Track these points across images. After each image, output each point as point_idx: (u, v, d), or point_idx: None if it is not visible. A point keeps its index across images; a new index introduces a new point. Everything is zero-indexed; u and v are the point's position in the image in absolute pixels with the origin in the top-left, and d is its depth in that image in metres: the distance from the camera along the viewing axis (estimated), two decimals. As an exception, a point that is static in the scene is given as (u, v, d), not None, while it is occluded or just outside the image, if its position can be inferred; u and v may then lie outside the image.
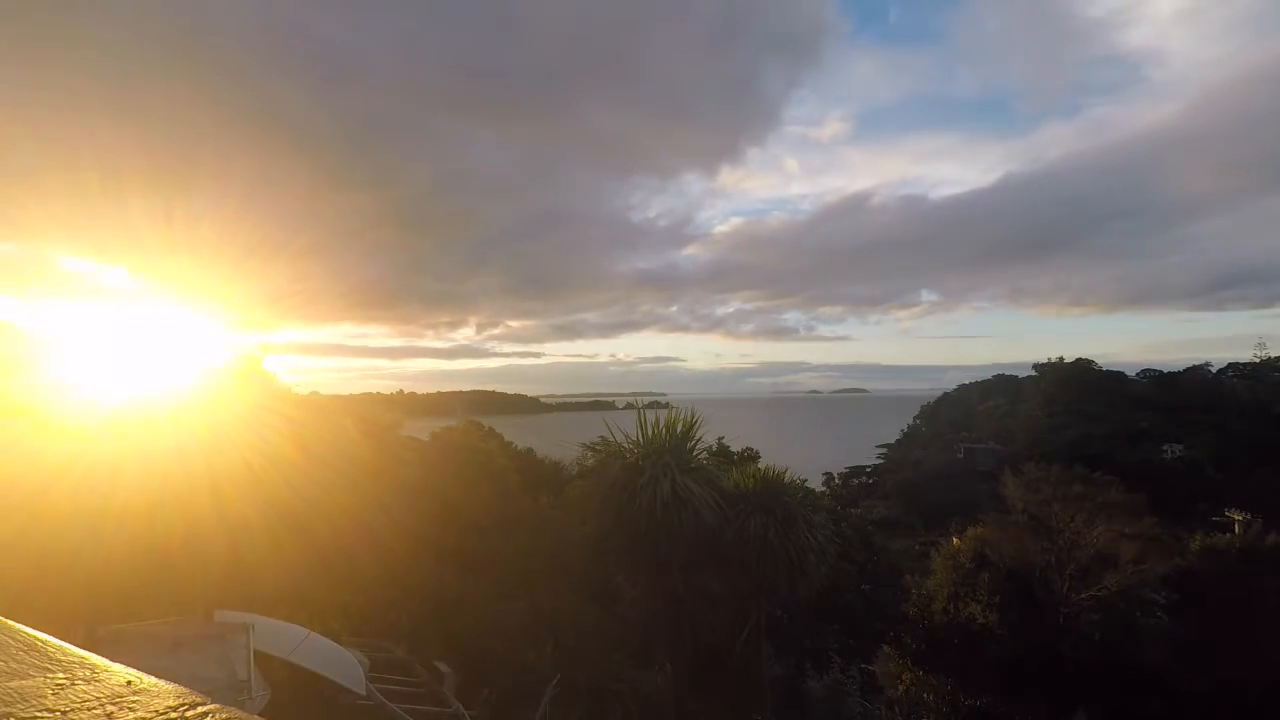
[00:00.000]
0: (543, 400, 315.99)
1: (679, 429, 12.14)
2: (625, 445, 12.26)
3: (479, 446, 20.78)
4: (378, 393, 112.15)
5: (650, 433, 12.12)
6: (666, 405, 13.45)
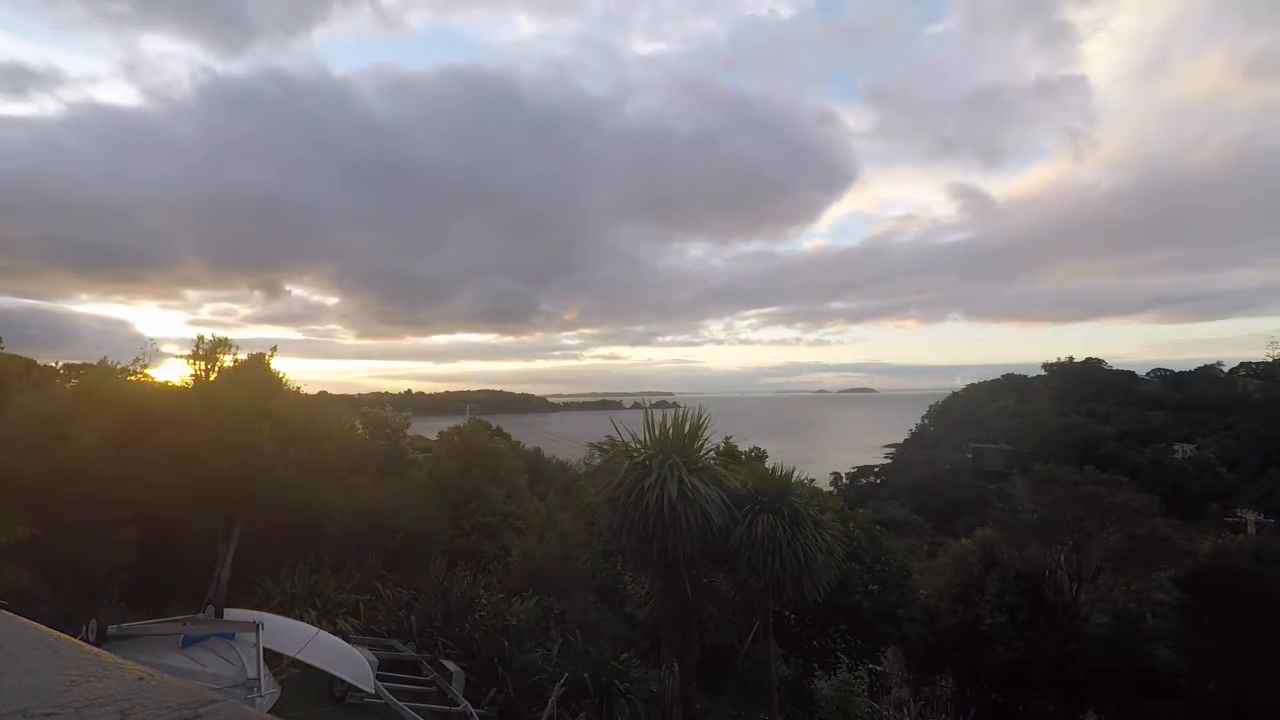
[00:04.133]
0: (550, 400, 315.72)
1: (686, 429, 12.11)
2: (632, 445, 12.24)
3: (486, 446, 20.83)
4: (386, 392, 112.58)
5: (658, 432, 12.09)
6: (674, 405, 13.39)
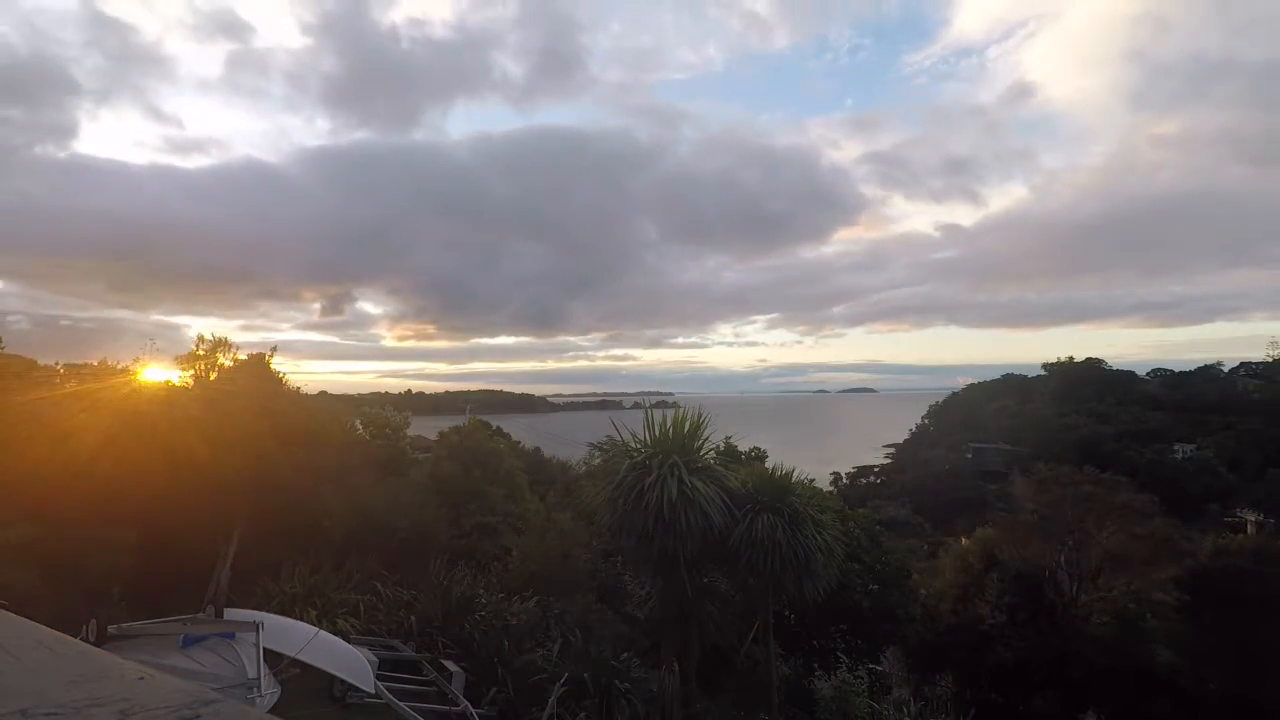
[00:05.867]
0: (550, 399, 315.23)
1: (686, 428, 12.12)
2: (632, 445, 12.24)
3: (486, 446, 20.83)
4: (386, 392, 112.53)
5: (658, 432, 12.09)
6: (674, 405, 13.39)
